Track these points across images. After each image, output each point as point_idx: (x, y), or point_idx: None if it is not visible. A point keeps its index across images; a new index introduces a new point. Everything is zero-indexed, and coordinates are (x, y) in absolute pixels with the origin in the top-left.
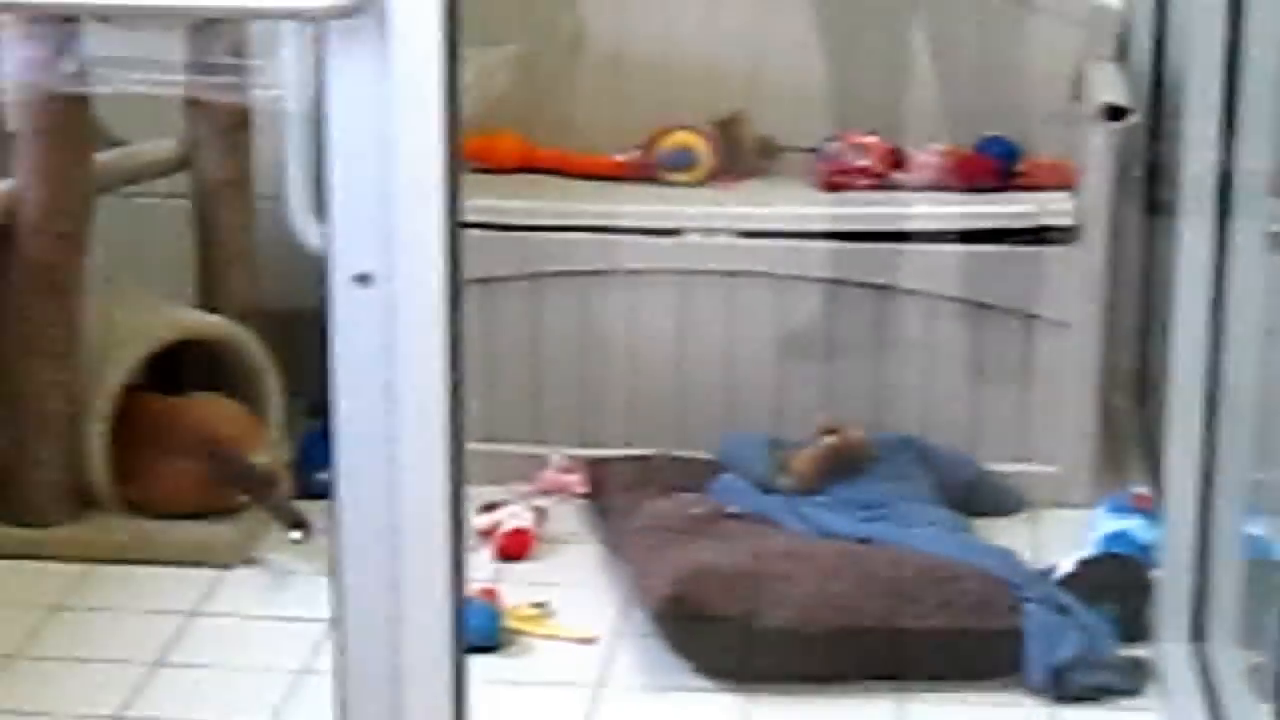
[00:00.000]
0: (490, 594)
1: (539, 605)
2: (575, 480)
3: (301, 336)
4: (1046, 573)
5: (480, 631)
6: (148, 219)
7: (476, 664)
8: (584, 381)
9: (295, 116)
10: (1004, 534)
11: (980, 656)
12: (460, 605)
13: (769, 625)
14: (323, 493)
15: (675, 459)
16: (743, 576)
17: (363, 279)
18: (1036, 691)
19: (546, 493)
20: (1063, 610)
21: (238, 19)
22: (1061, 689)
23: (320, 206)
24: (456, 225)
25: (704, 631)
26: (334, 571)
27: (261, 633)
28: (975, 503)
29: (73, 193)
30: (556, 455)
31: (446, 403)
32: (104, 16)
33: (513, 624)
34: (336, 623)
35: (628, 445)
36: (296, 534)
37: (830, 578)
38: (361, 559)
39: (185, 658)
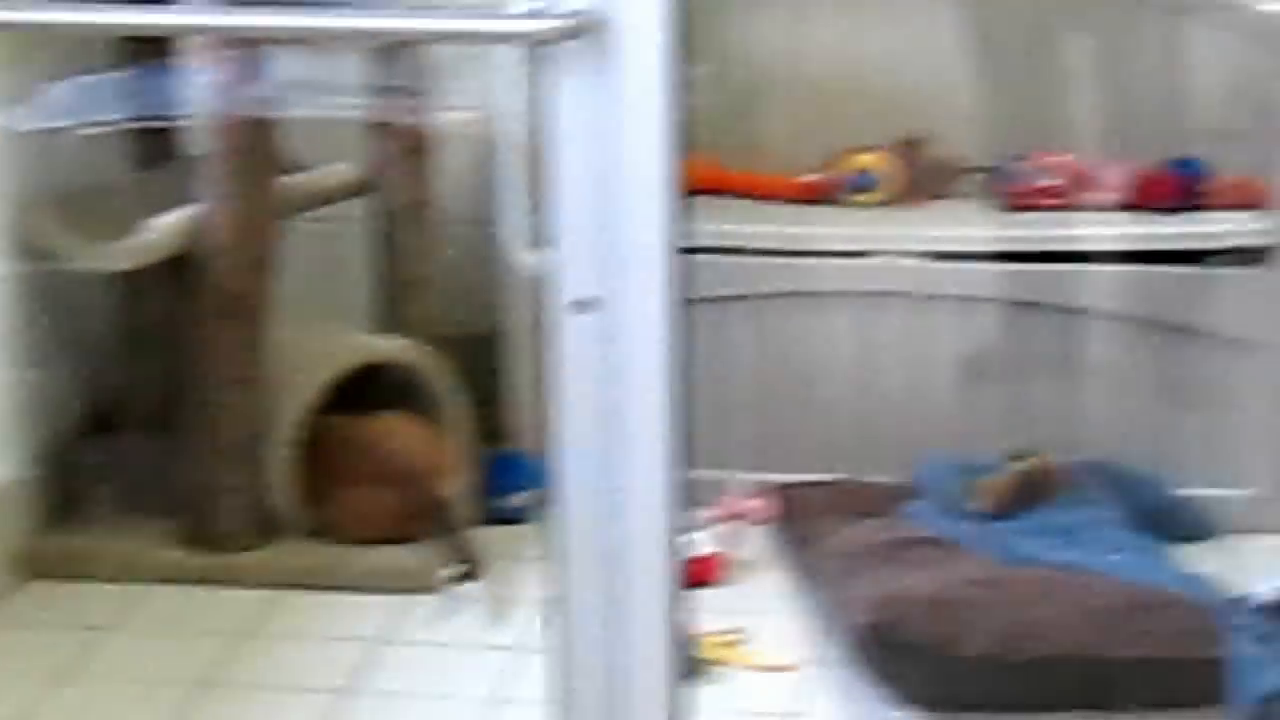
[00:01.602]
0: None
1: (733, 632)
2: (758, 506)
3: (483, 360)
4: (1245, 600)
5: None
6: (328, 244)
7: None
8: (768, 405)
9: (508, 142)
10: (1198, 560)
11: (1184, 686)
12: (679, 634)
13: (970, 653)
14: (507, 518)
15: (864, 484)
16: (942, 603)
17: (583, 305)
18: None
19: (729, 519)
20: (1266, 639)
21: (449, 43)
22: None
23: (533, 232)
24: (680, 250)
25: (904, 659)
26: (553, 598)
27: (449, 659)
28: (1168, 528)
29: (260, 218)
30: (738, 481)
31: (668, 430)
32: (292, 40)
33: (707, 652)
34: (555, 649)
35: (813, 470)
36: (460, 572)
37: (1029, 605)
38: (583, 587)
39: (373, 684)
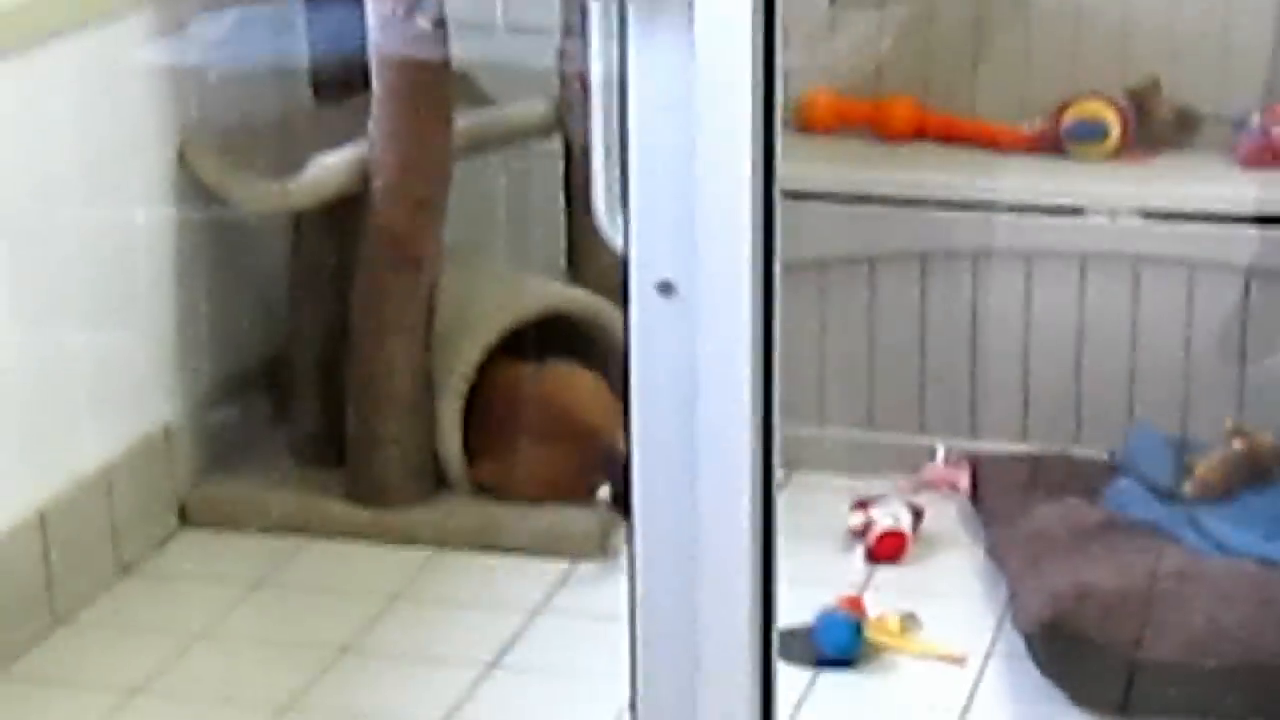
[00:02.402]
0: (855, 604)
1: (907, 617)
2: (960, 476)
3: None
4: None
5: (839, 645)
6: (522, 183)
7: (831, 680)
8: (974, 370)
9: (600, 100)
10: None
11: None
12: (769, 640)
13: (1153, 657)
14: None
15: (1068, 459)
16: (1128, 600)
17: (665, 288)
18: None
19: (929, 488)
20: None
21: None
22: None
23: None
24: (770, 229)
25: (1082, 659)
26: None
27: (612, 632)
28: None
29: (430, 157)
30: (942, 448)
31: (752, 425)
32: None
33: (876, 637)
34: (632, 649)
35: (1019, 440)
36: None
37: (1225, 604)
38: (658, 583)
39: (522, 659)
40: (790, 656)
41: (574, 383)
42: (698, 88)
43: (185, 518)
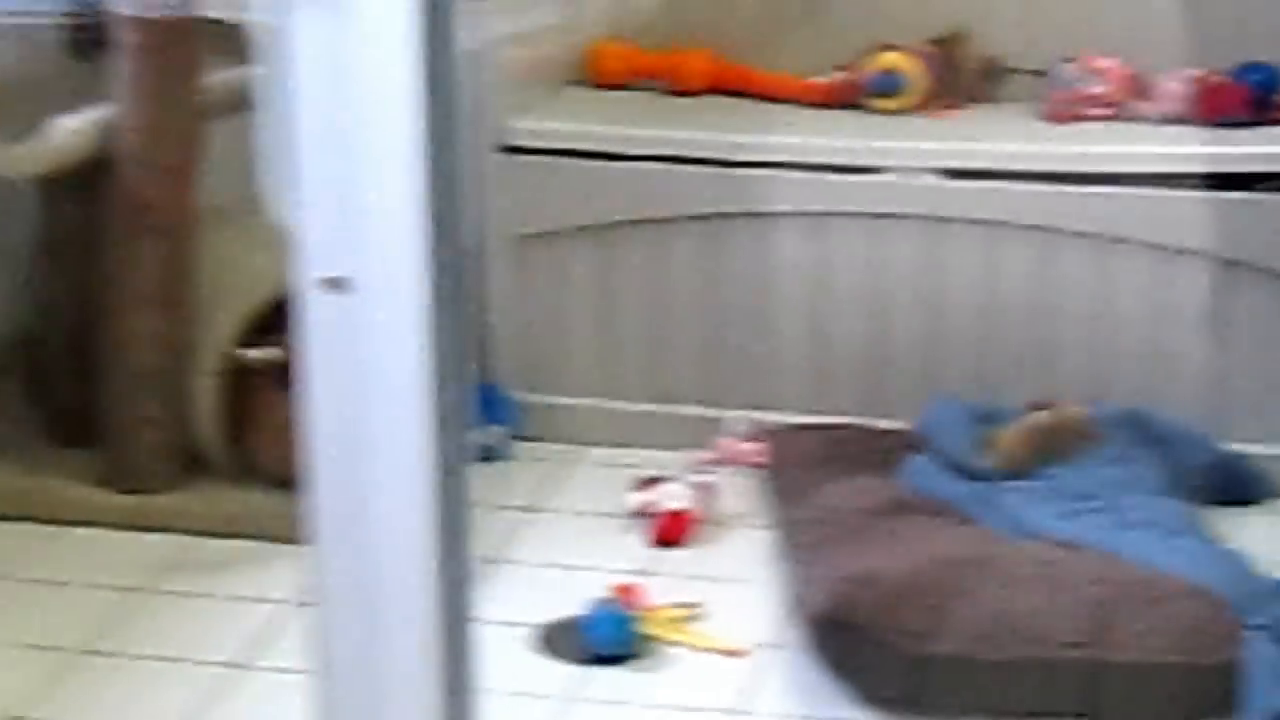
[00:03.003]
0: (629, 593)
1: (687, 606)
2: (755, 450)
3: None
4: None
5: (609, 640)
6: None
7: (600, 678)
8: (768, 337)
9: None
10: (1244, 528)
11: (1189, 695)
12: (461, 666)
13: (939, 651)
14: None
15: (865, 431)
16: (915, 589)
17: (334, 284)
18: None
19: (722, 463)
20: None
21: None
22: None
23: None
24: (448, 216)
25: (865, 654)
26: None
27: None
28: (1212, 489)
29: (178, 118)
30: (735, 420)
31: (430, 432)
32: None
33: (652, 629)
34: (315, 661)
35: (818, 412)
36: None
37: (1018, 593)
38: (338, 609)
39: (269, 658)
40: (558, 652)
41: None
42: (356, 55)
43: None
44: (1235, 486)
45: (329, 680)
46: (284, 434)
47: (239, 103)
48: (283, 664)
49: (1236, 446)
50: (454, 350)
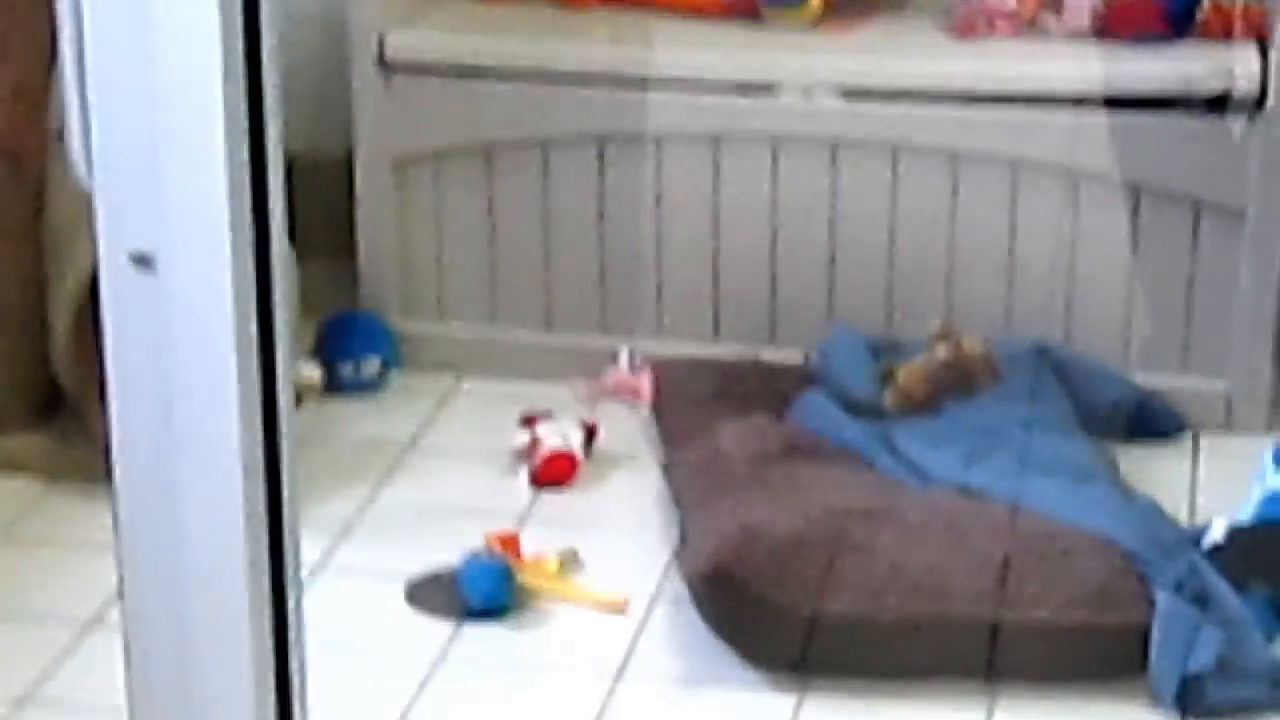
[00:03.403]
0: (509, 544)
1: (566, 555)
2: (645, 384)
3: (326, 196)
4: (1195, 539)
5: (484, 594)
6: None
7: (473, 636)
8: (658, 264)
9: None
10: (1157, 466)
11: (1094, 658)
12: (283, 675)
13: (828, 610)
14: (347, 386)
15: (759, 365)
16: (802, 544)
17: (141, 260)
18: (1162, 703)
19: (610, 396)
20: (1203, 599)
21: None
22: (1193, 703)
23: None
24: (261, 184)
25: (748, 614)
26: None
27: None
28: (1124, 425)
29: (23, 38)
30: (625, 352)
31: (240, 422)
32: None
33: (531, 581)
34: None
35: (710, 343)
36: None
37: (914, 546)
38: (144, 603)
39: None
40: (431, 607)
41: None
42: (156, 11)
43: None
44: (1146, 422)
45: (143, 673)
46: None
47: None
48: None
49: (1146, 380)
50: (271, 332)
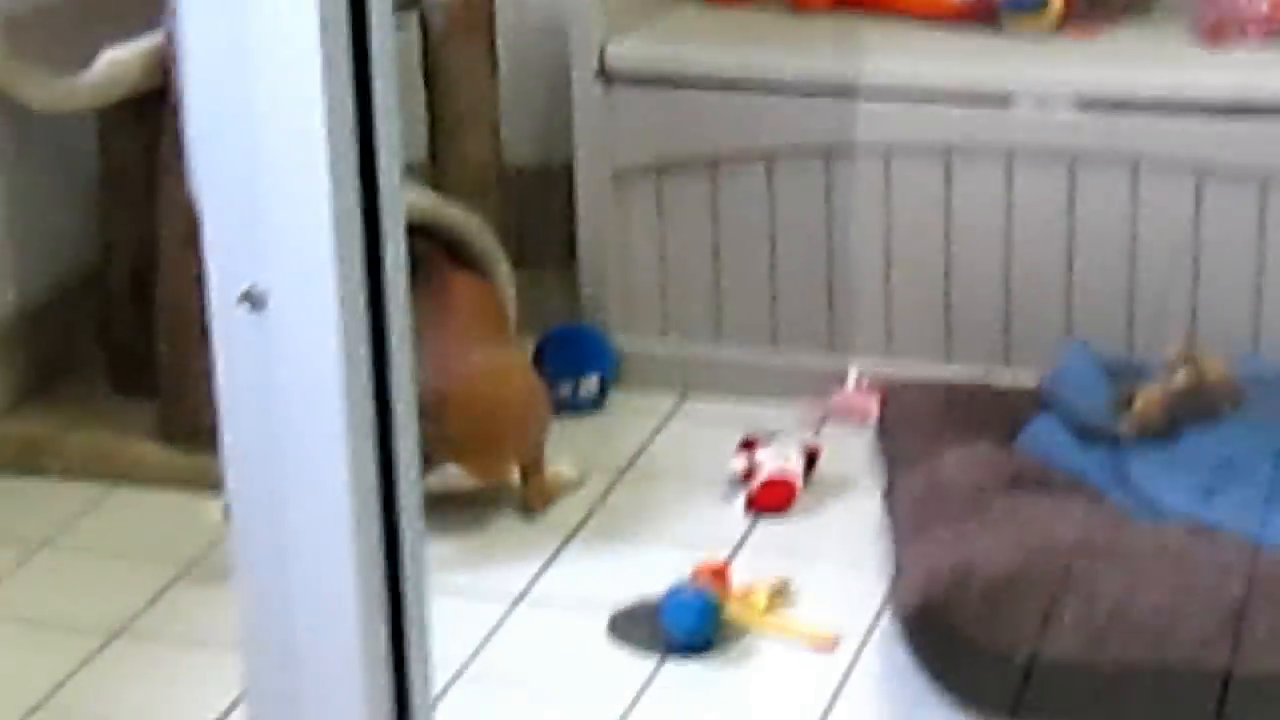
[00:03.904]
0: (718, 575)
1: (777, 588)
2: (874, 405)
3: (552, 207)
4: None
5: (687, 629)
6: None
7: (675, 671)
8: (890, 281)
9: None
10: None
11: None
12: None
13: (1043, 655)
14: (564, 405)
15: (988, 387)
16: (1018, 582)
17: (251, 299)
18: None
19: (838, 418)
20: None
21: None
22: None
23: None
24: (374, 221)
25: (959, 655)
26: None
27: None
28: None
29: None
30: (854, 372)
31: (349, 463)
32: None
33: (738, 614)
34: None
35: (943, 362)
36: None
37: (1140, 587)
38: (261, 643)
39: None
40: (632, 640)
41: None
42: (254, 36)
43: None
44: None
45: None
46: None
47: None
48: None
49: None
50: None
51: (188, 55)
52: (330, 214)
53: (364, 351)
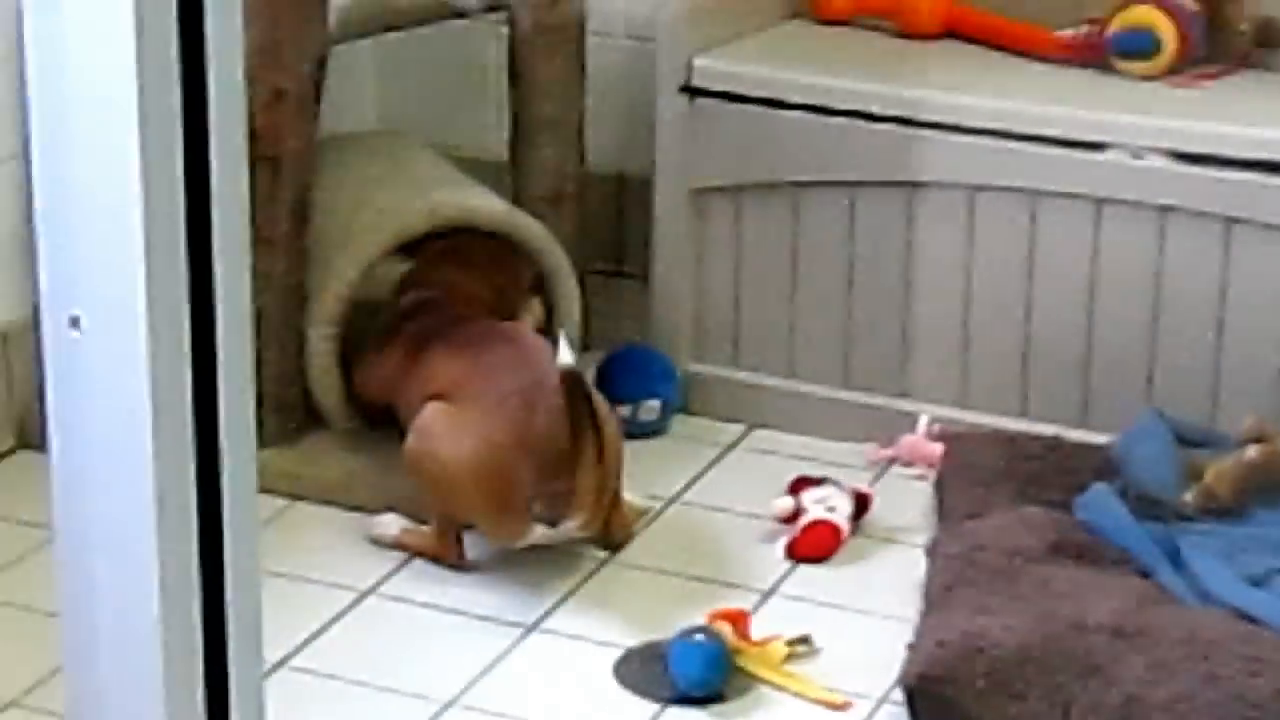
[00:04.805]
0: (738, 622)
1: (797, 641)
2: (939, 453)
3: (631, 215)
4: None
5: (691, 679)
6: (457, 64)
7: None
8: (968, 327)
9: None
10: None
11: None
12: None
13: None
14: (629, 432)
15: (1056, 443)
16: (1030, 661)
17: (76, 322)
18: None
19: (902, 463)
20: None
21: None
22: None
23: None
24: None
25: None
26: None
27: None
28: None
29: (291, 39)
30: (924, 419)
31: (154, 498)
32: None
33: (752, 666)
34: None
35: (1018, 415)
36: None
37: (1161, 676)
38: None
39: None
40: (637, 684)
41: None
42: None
43: (24, 439)
44: None
45: None
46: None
47: (383, 22)
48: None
49: None
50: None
51: (29, 62)
52: (142, 239)
53: (180, 377)
